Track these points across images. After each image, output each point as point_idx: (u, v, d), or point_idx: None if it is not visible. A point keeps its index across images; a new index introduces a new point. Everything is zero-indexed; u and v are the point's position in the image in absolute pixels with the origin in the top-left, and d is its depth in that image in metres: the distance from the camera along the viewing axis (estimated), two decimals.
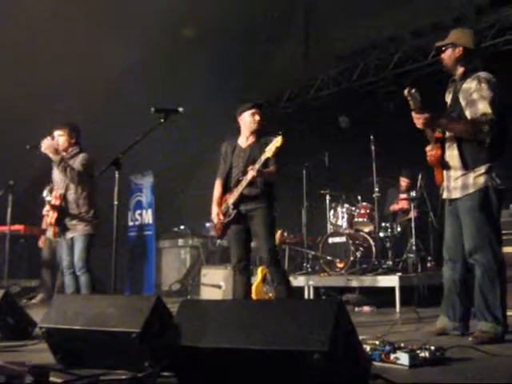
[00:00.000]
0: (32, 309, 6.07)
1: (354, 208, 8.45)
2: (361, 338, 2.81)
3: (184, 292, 9.86)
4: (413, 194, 7.95)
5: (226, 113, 12.40)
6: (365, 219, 8.36)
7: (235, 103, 12.46)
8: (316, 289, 7.80)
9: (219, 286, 8.51)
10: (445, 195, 4.48)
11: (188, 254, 10.77)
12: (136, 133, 4.41)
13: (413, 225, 7.61)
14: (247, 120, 5.35)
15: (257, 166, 4.97)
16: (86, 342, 3.22)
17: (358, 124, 9.56)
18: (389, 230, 8.10)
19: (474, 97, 4.16)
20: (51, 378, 2.84)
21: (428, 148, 4.47)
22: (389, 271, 7.41)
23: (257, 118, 5.31)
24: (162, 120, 4.36)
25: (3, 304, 4.58)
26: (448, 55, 4.40)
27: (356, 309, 7.10)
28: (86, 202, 6.03)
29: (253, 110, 5.34)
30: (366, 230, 8.27)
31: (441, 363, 3.21)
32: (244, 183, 5.08)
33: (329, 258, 7.92)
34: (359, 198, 8.59)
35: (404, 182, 8.68)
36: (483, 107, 4.09)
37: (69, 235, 6.04)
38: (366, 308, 7.08)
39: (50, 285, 9.15)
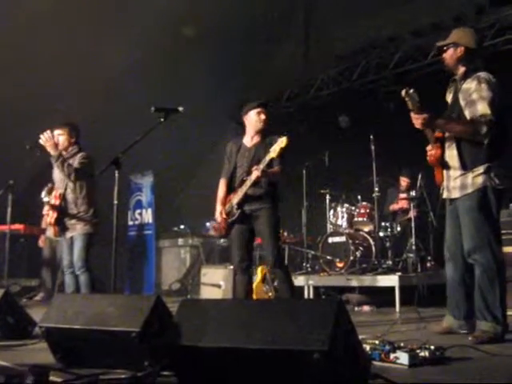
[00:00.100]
0: (32, 308, 6.07)
1: (353, 208, 8.45)
2: (360, 337, 2.81)
3: (184, 291, 9.86)
4: (413, 193, 7.95)
5: (226, 112, 12.47)
6: (364, 219, 8.36)
7: (235, 103, 12.54)
8: (316, 288, 7.81)
9: (219, 286, 8.51)
10: (445, 195, 4.49)
11: (188, 253, 10.78)
12: (136, 132, 4.41)
13: (413, 224, 7.62)
14: (253, 119, 5.31)
15: (261, 166, 4.95)
16: (85, 341, 3.22)
17: (357, 124, 9.58)
18: (388, 230, 8.11)
19: (474, 97, 4.16)
20: (51, 378, 2.84)
21: (428, 148, 4.47)
22: (388, 271, 7.41)
23: (262, 116, 5.28)
24: (162, 119, 4.36)
25: (3, 303, 4.58)
26: (449, 55, 4.40)
27: (356, 308, 7.11)
28: (85, 202, 6.04)
29: (258, 109, 5.31)
30: (366, 229, 8.27)
31: (440, 363, 3.21)
32: (248, 183, 5.06)
33: (329, 257, 7.93)
34: (359, 197, 8.59)
35: (404, 181, 8.68)
36: (482, 108, 4.09)
37: (68, 234, 6.06)
38: (366, 307, 7.09)
39: (49, 284, 9.16)
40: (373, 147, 7.66)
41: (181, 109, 4.40)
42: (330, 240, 8.08)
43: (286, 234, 9.16)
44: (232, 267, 8.53)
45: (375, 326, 5.19)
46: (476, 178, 4.17)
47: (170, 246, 11.17)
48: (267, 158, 4.95)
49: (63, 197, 6.06)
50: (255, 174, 4.97)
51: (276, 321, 2.60)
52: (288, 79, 11.50)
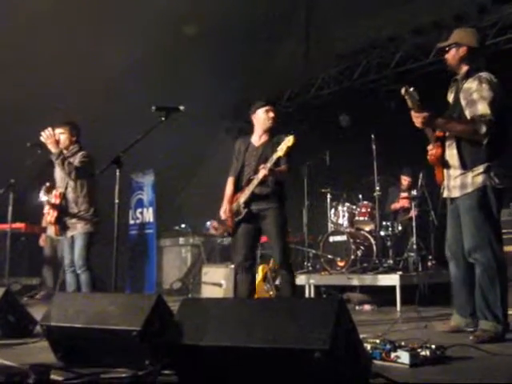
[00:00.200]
0: (33, 307, 6.08)
1: (354, 207, 8.45)
2: (361, 336, 2.81)
3: (185, 290, 9.87)
4: (414, 192, 7.95)
5: (226, 111, 12.47)
6: (366, 218, 8.36)
7: (236, 102, 12.53)
8: (317, 287, 7.81)
9: (220, 285, 8.51)
10: (445, 194, 4.50)
11: (189, 252, 10.78)
12: (137, 131, 4.41)
13: (414, 223, 7.62)
14: (261, 117, 5.29)
15: (268, 164, 4.93)
16: (86, 340, 3.22)
17: (358, 123, 9.58)
18: (389, 229, 8.11)
19: (474, 97, 4.17)
20: (52, 376, 2.84)
21: (429, 147, 4.47)
22: (389, 270, 7.41)
23: (271, 115, 5.26)
24: (163, 118, 4.35)
25: (4, 302, 4.59)
26: (452, 55, 4.40)
27: (357, 307, 7.11)
28: (86, 201, 6.05)
29: (267, 107, 5.28)
30: (367, 228, 8.27)
31: (441, 362, 3.22)
32: (255, 182, 5.05)
33: (329, 256, 7.92)
34: (360, 196, 8.59)
35: (405, 180, 8.68)
36: (482, 108, 4.10)
37: (69, 234, 6.07)
38: (367, 307, 7.09)
39: (50, 283, 9.16)
40: (374, 146, 7.66)
41: (182, 108, 4.40)
42: (331, 239, 8.08)
43: None
44: (233, 266, 8.56)
45: (376, 325, 5.19)
46: (476, 178, 4.18)
47: (171, 245, 11.18)
48: (274, 157, 4.93)
49: (64, 196, 6.07)
50: (262, 172, 4.96)
51: (277, 320, 2.60)
52: (289, 79, 11.49)
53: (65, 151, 6.03)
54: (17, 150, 6.94)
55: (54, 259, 9.24)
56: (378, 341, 3.38)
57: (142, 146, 4.45)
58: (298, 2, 10.92)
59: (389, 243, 8.05)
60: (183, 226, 10.99)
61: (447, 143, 4.37)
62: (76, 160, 5.98)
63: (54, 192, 6.18)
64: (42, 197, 6.20)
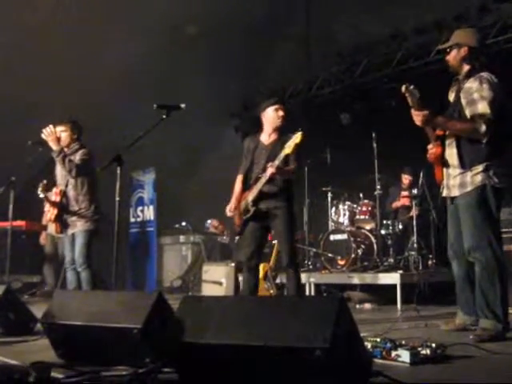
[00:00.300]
0: (33, 304, 6.08)
1: (355, 205, 8.46)
2: (362, 335, 2.81)
3: (185, 288, 9.87)
4: (414, 191, 7.95)
5: (227, 110, 12.47)
6: (366, 216, 8.37)
7: (237, 101, 12.50)
8: (317, 286, 7.81)
9: (220, 283, 8.51)
10: (444, 193, 4.51)
11: (189, 250, 10.79)
12: (138, 129, 4.41)
13: (414, 222, 7.62)
14: (270, 116, 5.28)
15: (276, 162, 4.93)
16: (87, 337, 3.23)
17: (359, 121, 9.56)
18: (390, 228, 8.11)
19: (475, 97, 4.18)
20: (53, 374, 2.84)
21: (429, 146, 4.48)
22: (390, 269, 7.41)
23: (280, 113, 5.25)
24: (165, 116, 4.35)
25: (4, 300, 4.59)
26: (453, 56, 4.42)
27: (357, 306, 7.11)
28: (87, 199, 6.05)
29: (276, 106, 5.27)
30: (368, 227, 8.27)
31: (442, 361, 3.21)
32: (263, 180, 5.05)
33: (330, 255, 7.93)
34: (361, 195, 8.59)
35: (406, 179, 8.68)
36: (482, 107, 4.12)
37: (70, 231, 6.07)
38: (367, 305, 7.09)
39: (51, 281, 9.17)
40: (375, 145, 7.66)
41: (183, 106, 4.40)
42: (332, 238, 8.08)
43: None
44: (233, 264, 8.56)
45: (376, 324, 5.19)
46: (475, 177, 4.19)
47: (171, 243, 11.18)
48: (282, 155, 4.93)
49: (64, 194, 6.07)
50: (270, 170, 4.96)
51: (277, 318, 2.60)
52: (289, 77, 11.48)
53: (66, 149, 6.03)
54: (17, 147, 6.95)
55: (54, 257, 9.24)
56: (378, 339, 3.38)
57: (143, 144, 4.45)
58: (298, 0, 10.91)
59: (389, 242, 8.05)
60: (184, 224, 10.98)
61: (447, 142, 4.38)
62: (77, 158, 5.99)
63: (54, 190, 6.19)
64: (40, 194, 6.21)
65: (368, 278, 7.28)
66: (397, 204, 8.70)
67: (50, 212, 6.16)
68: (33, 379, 2.65)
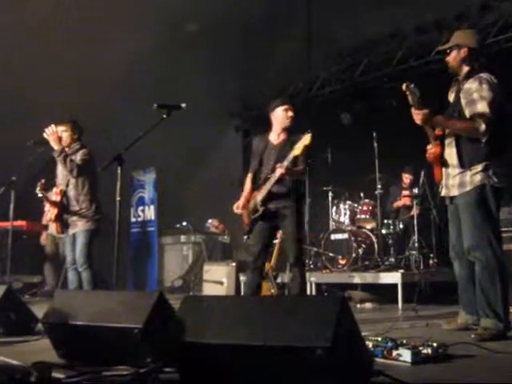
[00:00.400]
0: (34, 305, 6.08)
1: (356, 205, 8.45)
2: (363, 334, 2.81)
3: (186, 288, 9.88)
4: (415, 190, 7.95)
5: (227, 110, 12.47)
6: (367, 216, 8.36)
7: (237, 101, 12.49)
8: (318, 285, 7.81)
9: (221, 283, 8.53)
10: (443, 193, 4.53)
11: (190, 250, 10.78)
12: (138, 129, 4.41)
13: (415, 222, 7.61)
14: (280, 116, 5.28)
15: (285, 163, 4.93)
16: (88, 337, 3.22)
17: (360, 121, 9.56)
18: (391, 227, 8.11)
19: (474, 97, 4.20)
20: (54, 374, 2.84)
21: (429, 147, 4.51)
22: (391, 268, 7.41)
23: (290, 113, 5.25)
24: (165, 116, 4.35)
25: (5, 300, 4.59)
26: (453, 57, 4.43)
27: (358, 305, 7.10)
28: (87, 198, 6.05)
29: (286, 106, 5.27)
30: (369, 226, 8.27)
31: (443, 360, 3.21)
32: (272, 180, 5.05)
33: (331, 254, 7.93)
34: (362, 194, 8.59)
35: (407, 178, 8.68)
36: (482, 107, 4.13)
37: (71, 231, 6.08)
38: (368, 305, 7.08)
39: (52, 280, 9.16)
40: (375, 144, 7.66)
41: (183, 105, 4.40)
42: (333, 237, 8.08)
43: None
44: (234, 264, 8.57)
45: (377, 323, 5.19)
46: (474, 176, 4.20)
47: (172, 242, 11.18)
48: (291, 156, 4.93)
49: (64, 193, 6.07)
50: (279, 171, 4.96)
51: (279, 317, 2.60)
52: (290, 76, 11.48)
53: (66, 149, 6.04)
54: (18, 147, 6.95)
55: (55, 257, 9.23)
56: (379, 339, 3.38)
57: (144, 143, 4.45)
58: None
59: (390, 241, 8.05)
60: (184, 223, 10.99)
61: (446, 142, 4.40)
62: (77, 158, 5.99)
63: (55, 189, 6.19)
64: (39, 193, 6.22)
65: (369, 277, 7.28)
66: (398, 203, 8.70)
67: (50, 212, 6.17)
68: (34, 379, 2.65)
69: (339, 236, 8.01)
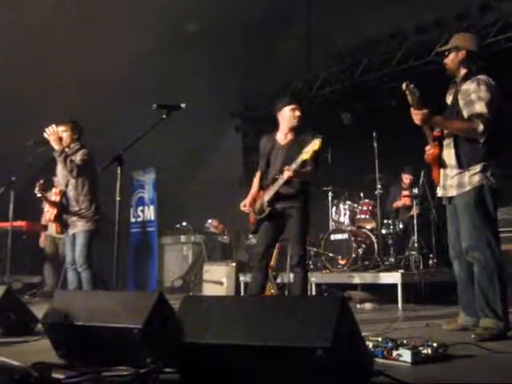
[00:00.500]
0: (34, 305, 6.08)
1: (356, 205, 8.45)
2: (363, 334, 2.81)
3: (186, 288, 9.88)
4: (415, 190, 7.95)
5: (227, 110, 12.47)
6: (367, 216, 8.36)
7: (237, 101, 12.48)
8: (318, 286, 7.80)
9: (221, 283, 8.53)
10: (440, 193, 4.55)
11: (190, 250, 10.79)
12: (138, 129, 4.41)
13: (415, 222, 7.61)
14: (287, 115, 5.25)
15: (293, 166, 4.93)
16: (87, 337, 3.22)
17: (360, 121, 9.55)
18: (391, 227, 8.11)
19: (472, 97, 4.22)
20: (53, 375, 2.84)
21: (427, 148, 4.53)
22: (391, 268, 7.41)
23: (297, 113, 5.23)
24: (165, 116, 4.35)
25: (5, 300, 4.59)
26: (451, 59, 4.45)
27: (358, 306, 7.10)
28: (87, 199, 6.04)
29: (293, 106, 5.25)
30: (368, 226, 8.27)
31: (443, 360, 3.21)
32: (280, 182, 5.05)
33: (331, 254, 7.93)
34: (361, 194, 8.58)
35: (407, 178, 8.68)
36: (479, 107, 4.15)
37: (70, 231, 6.08)
38: (368, 305, 7.08)
39: (51, 281, 9.16)
40: (375, 144, 7.66)
41: (183, 105, 4.40)
42: (333, 237, 8.08)
43: None
44: (234, 264, 8.58)
45: (377, 324, 5.19)
46: (473, 177, 4.22)
47: (172, 242, 11.18)
48: (300, 160, 4.91)
49: (64, 194, 6.07)
50: (287, 174, 4.96)
51: (279, 318, 2.60)
52: (290, 77, 11.49)
53: (66, 149, 6.04)
54: (17, 147, 6.95)
55: (55, 257, 9.23)
56: (379, 339, 3.38)
57: (143, 144, 4.45)
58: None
59: (390, 241, 8.05)
60: (184, 223, 10.99)
61: (445, 143, 4.42)
62: (77, 158, 5.99)
63: (54, 190, 6.19)
64: (38, 193, 6.22)
65: (369, 277, 7.28)
66: (397, 203, 8.70)
67: (49, 212, 6.17)
68: (34, 380, 2.65)
69: (339, 236, 8.01)
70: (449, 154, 4.37)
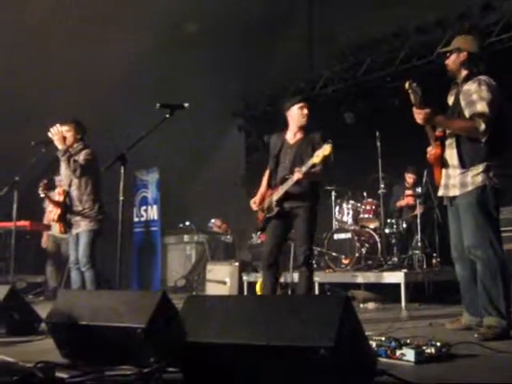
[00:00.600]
0: (38, 304, 6.09)
1: (359, 204, 8.44)
2: (366, 334, 2.81)
3: (189, 288, 9.89)
4: (418, 190, 7.94)
5: (230, 110, 12.47)
6: (370, 215, 8.35)
7: (239, 100, 12.47)
8: (321, 285, 7.80)
9: (224, 282, 8.53)
10: (441, 193, 4.56)
11: (193, 249, 10.80)
12: (141, 129, 4.41)
13: (418, 221, 7.60)
14: (295, 114, 5.28)
15: (303, 169, 4.95)
16: (91, 337, 3.23)
17: (363, 120, 9.55)
18: (394, 227, 8.09)
19: (474, 97, 4.23)
20: (57, 374, 2.84)
21: (429, 149, 4.55)
22: (394, 267, 7.40)
23: (305, 111, 5.26)
24: (168, 115, 4.35)
25: (9, 300, 4.60)
26: (452, 60, 4.47)
27: (361, 305, 7.10)
28: (90, 198, 6.05)
29: (301, 104, 5.28)
30: (372, 226, 8.26)
31: (446, 360, 3.21)
32: (290, 183, 5.07)
33: (334, 254, 7.92)
34: (365, 194, 8.57)
35: (410, 178, 8.66)
36: (481, 107, 4.16)
37: (74, 231, 6.09)
38: (371, 304, 7.07)
39: (53, 281, 9.16)
40: (379, 144, 7.65)
41: (186, 105, 4.40)
42: (336, 237, 8.07)
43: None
44: (237, 264, 8.58)
45: (381, 323, 5.18)
46: (476, 177, 4.23)
47: (175, 242, 11.19)
48: (310, 163, 4.94)
49: (67, 193, 6.08)
50: (297, 175, 4.98)
51: (282, 317, 2.60)
52: (292, 76, 11.48)
53: (69, 149, 6.04)
54: (20, 148, 6.96)
55: (57, 257, 9.24)
56: (383, 338, 3.38)
57: (146, 143, 4.45)
58: None
59: (393, 241, 8.04)
60: (188, 223, 11.00)
61: (447, 143, 4.44)
62: (80, 158, 6.00)
63: (58, 190, 6.20)
64: (41, 194, 6.23)
65: (372, 276, 7.27)
66: (401, 203, 8.69)
67: (53, 212, 6.18)
68: (37, 379, 2.65)
69: (342, 235, 8.01)
70: (451, 154, 4.38)
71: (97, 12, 8.67)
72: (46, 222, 9.34)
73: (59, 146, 5.90)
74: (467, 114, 4.25)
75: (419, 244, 7.58)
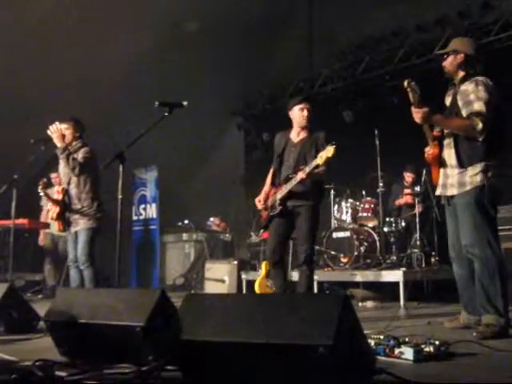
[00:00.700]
0: (36, 302, 6.09)
1: (358, 203, 8.44)
2: (365, 332, 2.81)
3: (188, 286, 9.90)
4: (417, 188, 7.94)
5: (229, 108, 12.47)
6: (369, 214, 8.35)
7: (238, 99, 12.48)
8: (320, 283, 7.81)
9: (223, 281, 8.53)
10: (439, 192, 4.58)
11: (192, 248, 10.81)
12: (140, 127, 4.41)
13: (417, 220, 7.61)
14: (297, 114, 5.31)
15: (307, 169, 4.98)
16: (89, 335, 3.23)
17: (362, 119, 9.55)
18: (393, 225, 8.09)
19: (471, 97, 4.26)
20: (56, 372, 2.84)
21: (427, 149, 4.57)
22: (393, 266, 7.41)
23: (305, 113, 5.27)
24: (167, 114, 4.35)
25: (7, 298, 4.59)
26: (449, 62, 4.50)
27: (360, 304, 7.10)
28: (89, 197, 6.05)
29: (302, 105, 5.30)
30: (371, 224, 8.26)
31: (445, 358, 3.21)
32: (293, 182, 5.10)
33: (333, 252, 7.92)
34: (363, 192, 8.57)
35: (409, 177, 8.66)
36: (478, 106, 4.18)
37: (73, 229, 6.08)
38: (370, 303, 7.08)
39: (51, 279, 9.16)
40: (377, 142, 7.65)
41: (185, 103, 4.39)
42: (335, 235, 8.07)
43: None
44: (235, 262, 8.58)
45: (379, 322, 5.19)
46: (474, 177, 4.24)
47: (174, 240, 11.20)
48: (313, 164, 4.95)
49: (66, 192, 6.08)
50: (300, 175, 5.01)
51: (281, 315, 2.60)
52: (292, 74, 11.48)
53: (68, 147, 6.04)
54: (19, 145, 6.96)
55: (55, 255, 9.24)
56: (381, 337, 3.38)
57: (145, 141, 4.45)
58: None
59: (392, 239, 8.04)
60: (186, 221, 11.01)
61: (445, 142, 4.46)
62: (79, 156, 6.00)
63: (57, 188, 6.20)
64: (40, 192, 6.23)
65: (371, 275, 7.28)
66: (399, 201, 8.69)
67: (52, 210, 6.17)
68: (36, 377, 2.65)
69: (341, 234, 8.01)
70: (449, 154, 4.40)
71: (97, 12, 8.67)
72: (42, 219, 9.34)
73: (58, 143, 5.91)
74: (464, 113, 4.27)
75: (418, 243, 7.59)
